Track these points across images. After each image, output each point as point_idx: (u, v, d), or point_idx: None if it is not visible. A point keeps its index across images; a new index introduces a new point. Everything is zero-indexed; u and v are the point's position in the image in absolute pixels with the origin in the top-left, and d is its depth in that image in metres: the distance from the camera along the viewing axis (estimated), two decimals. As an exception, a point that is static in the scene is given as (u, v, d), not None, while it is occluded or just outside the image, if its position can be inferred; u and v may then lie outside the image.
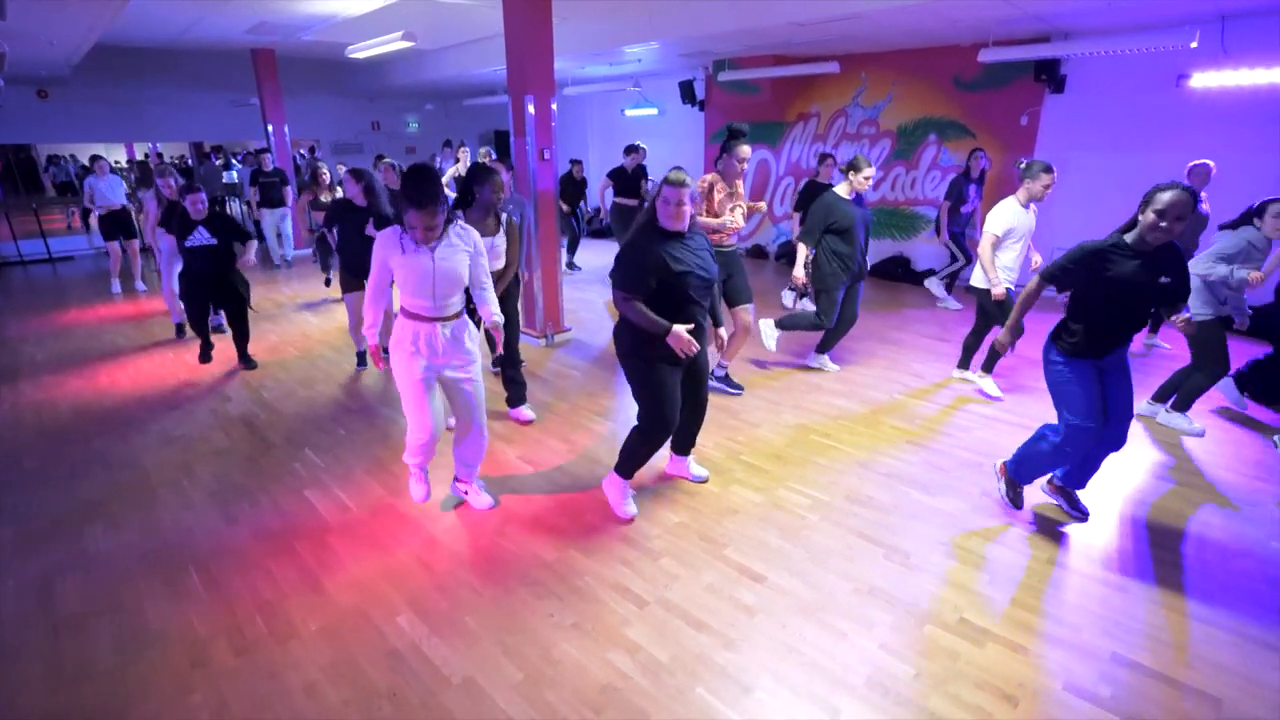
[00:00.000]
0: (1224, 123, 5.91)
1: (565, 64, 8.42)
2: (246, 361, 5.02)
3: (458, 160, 7.83)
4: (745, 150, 3.86)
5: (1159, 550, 2.79)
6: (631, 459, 2.94)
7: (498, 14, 5.12)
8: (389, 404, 4.36)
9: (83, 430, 4.01)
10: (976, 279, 4.18)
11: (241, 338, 4.98)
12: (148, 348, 5.58)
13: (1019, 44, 6.32)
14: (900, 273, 8.03)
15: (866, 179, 4.13)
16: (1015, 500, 3.05)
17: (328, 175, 6.29)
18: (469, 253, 2.62)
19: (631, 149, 7.51)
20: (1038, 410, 4.15)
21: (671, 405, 2.78)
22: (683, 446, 3.26)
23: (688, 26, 6.31)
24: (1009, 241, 3.89)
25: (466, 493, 3.10)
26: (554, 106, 5.20)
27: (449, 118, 13.43)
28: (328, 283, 7.49)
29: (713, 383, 4.18)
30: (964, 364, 4.63)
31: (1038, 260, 4.20)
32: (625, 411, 4.21)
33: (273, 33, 7.79)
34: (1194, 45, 5.08)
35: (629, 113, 10.93)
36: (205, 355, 5.08)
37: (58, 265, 9.64)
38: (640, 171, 7.58)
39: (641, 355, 2.73)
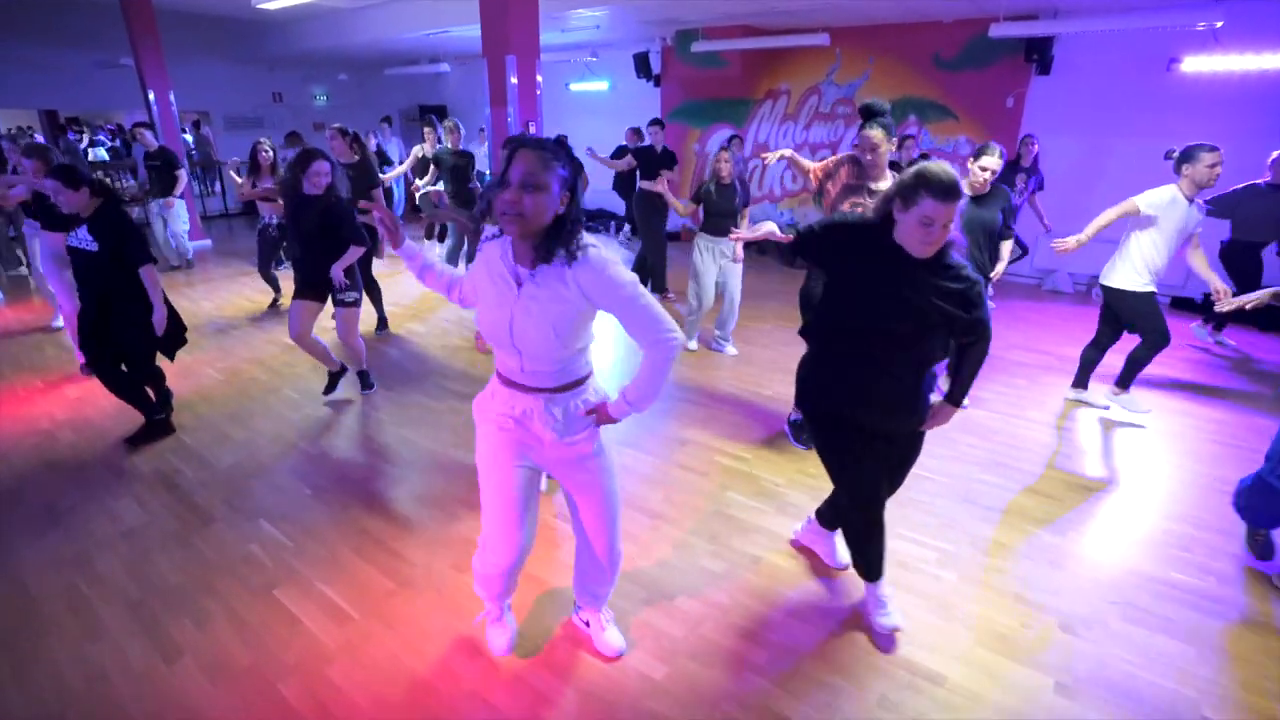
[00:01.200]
0: (1215, 108, 5.84)
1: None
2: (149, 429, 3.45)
3: (424, 140, 6.64)
4: (871, 134, 2.93)
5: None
6: (859, 554, 2.17)
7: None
8: (361, 442, 3.42)
9: (-85, 508, 2.83)
10: (1112, 277, 3.53)
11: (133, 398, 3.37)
12: (4, 375, 4.27)
13: (1020, 19, 6.00)
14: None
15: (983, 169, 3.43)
16: (1256, 548, 2.52)
17: (269, 153, 4.96)
18: (584, 301, 1.52)
19: (656, 123, 6.31)
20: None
21: (859, 473, 2.04)
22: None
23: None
24: (1147, 232, 3.34)
25: (588, 623, 2.10)
26: (539, 77, 4.34)
27: (364, 89, 11.96)
28: (275, 303, 5.72)
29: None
30: (1081, 382, 3.93)
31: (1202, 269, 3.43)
32: (719, 422, 3.47)
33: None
34: (1220, 25, 4.88)
35: (574, 87, 10.01)
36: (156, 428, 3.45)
37: None
38: (670, 155, 6.27)
39: (809, 409, 2.03)
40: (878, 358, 1.90)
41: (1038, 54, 6.32)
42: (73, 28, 8.15)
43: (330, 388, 3.86)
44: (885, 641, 2.13)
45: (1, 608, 2.26)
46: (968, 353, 1.99)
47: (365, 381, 3.95)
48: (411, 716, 1.85)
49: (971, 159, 3.46)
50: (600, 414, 1.67)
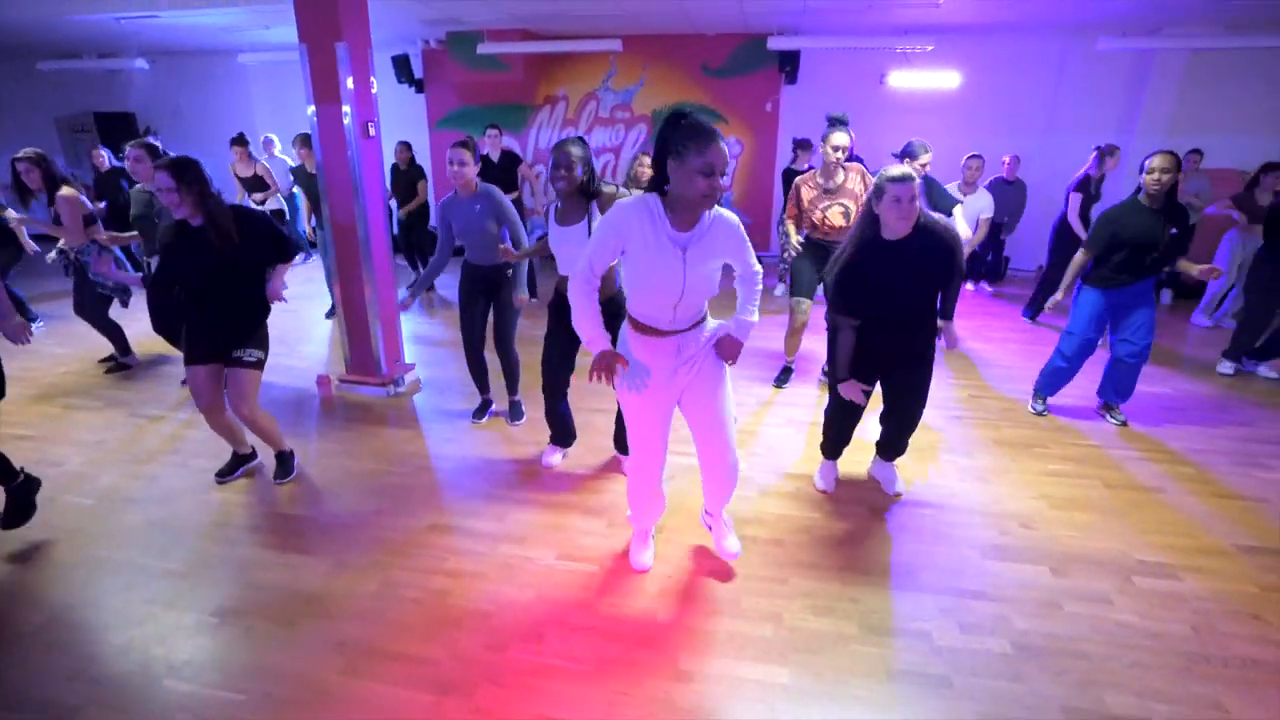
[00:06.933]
0: (915, 115, 7.37)
1: (237, 16, 6.31)
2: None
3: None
4: (836, 137, 3.45)
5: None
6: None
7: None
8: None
9: None
10: None
11: None
12: None
13: (771, 36, 6.87)
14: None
15: (922, 165, 3.89)
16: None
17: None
18: None
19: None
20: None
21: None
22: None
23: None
24: None
25: (711, 527, 2.50)
26: (373, 80, 3.76)
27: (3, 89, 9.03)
28: None
29: None
30: None
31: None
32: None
33: None
34: (930, 48, 6.17)
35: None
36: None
37: None
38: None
39: None
40: None
41: (789, 66, 7.32)
42: None
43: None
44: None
45: None
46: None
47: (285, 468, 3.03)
48: None
49: (909, 161, 3.88)
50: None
